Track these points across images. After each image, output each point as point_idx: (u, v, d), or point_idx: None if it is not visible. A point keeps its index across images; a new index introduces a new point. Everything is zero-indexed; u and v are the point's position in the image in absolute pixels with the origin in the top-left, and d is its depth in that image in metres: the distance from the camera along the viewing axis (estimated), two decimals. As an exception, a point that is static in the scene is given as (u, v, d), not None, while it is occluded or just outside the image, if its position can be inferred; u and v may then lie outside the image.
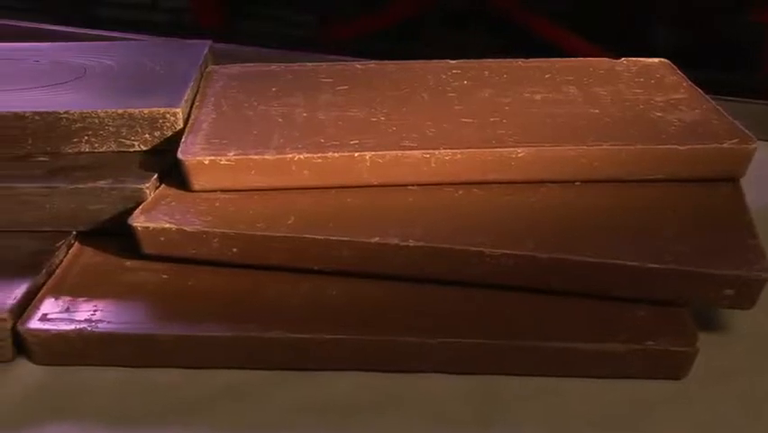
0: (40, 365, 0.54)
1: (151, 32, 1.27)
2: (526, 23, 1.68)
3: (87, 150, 0.65)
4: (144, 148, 0.65)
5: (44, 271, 0.57)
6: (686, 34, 1.67)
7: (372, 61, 0.76)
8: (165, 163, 0.63)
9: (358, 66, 0.75)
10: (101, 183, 0.61)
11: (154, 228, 0.57)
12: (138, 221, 0.58)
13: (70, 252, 0.60)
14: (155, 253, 0.58)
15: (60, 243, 0.60)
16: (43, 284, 0.56)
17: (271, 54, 0.94)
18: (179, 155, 0.60)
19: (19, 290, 0.55)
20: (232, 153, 0.60)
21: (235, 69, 0.75)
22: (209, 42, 0.79)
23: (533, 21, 1.68)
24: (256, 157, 0.60)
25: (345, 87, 0.71)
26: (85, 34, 1.14)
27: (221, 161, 0.60)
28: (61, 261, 0.59)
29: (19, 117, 0.64)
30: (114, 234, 0.61)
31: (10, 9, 2.01)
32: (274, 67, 0.75)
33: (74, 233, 0.61)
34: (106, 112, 0.64)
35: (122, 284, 0.57)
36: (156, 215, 0.58)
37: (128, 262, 0.59)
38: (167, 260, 0.58)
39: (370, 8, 1.91)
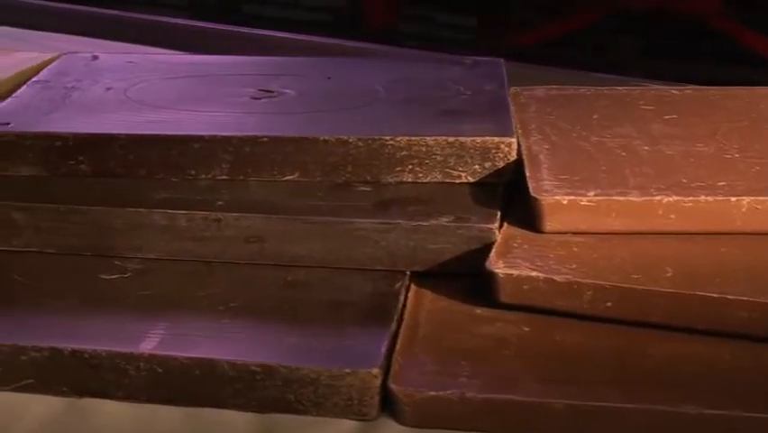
0: (406, 426, 0.48)
1: (300, 31, 1.23)
2: (727, 30, 1.60)
3: (410, 180, 0.60)
4: (471, 180, 0.59)
5: (394, 318, 0.52)
6: None
7: (689, 87, 0.70)
8: (498, 197, 0.58)
9: (674, 91, 0.69)
10: (443, 220, 0.55)
11: (518, 276, 0.52)
12: (498, 267, 0.52)
13: (410, 295, 0.55)
14: (514, 302, 0.52)
15: (398, 284, 0.55)
16: (396, 333, 0.51)
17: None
18: (533, 193, 0.55)
19: (380, 343, 0.50)
20: (592, 193, 0.55)
21: (540, 91, 0.69)
22: (501, 61, 0.73)
23: (734, 29, 1.59)
24: (620, 198, 0.54)
25: (674, 116, 0.65)
26: (249, 34, 1.11)
27: (581, 201, 0.54)
28: (404, 305, 0.54)
29: (342, 143, 0.59)
30: (448, 276, 0.55)
31: (162, 6, 2.00)
32: (583, 90, 0.69)
33: (408, 273, 0.56)
34: (435, 140, 0.59)
35: (482, 337, 0.51)
36: (515, 261, 0.52)
37: (477, 310, 0.53)
38: (522, 309, 0.52)
39: (552, 15, 1.84)
